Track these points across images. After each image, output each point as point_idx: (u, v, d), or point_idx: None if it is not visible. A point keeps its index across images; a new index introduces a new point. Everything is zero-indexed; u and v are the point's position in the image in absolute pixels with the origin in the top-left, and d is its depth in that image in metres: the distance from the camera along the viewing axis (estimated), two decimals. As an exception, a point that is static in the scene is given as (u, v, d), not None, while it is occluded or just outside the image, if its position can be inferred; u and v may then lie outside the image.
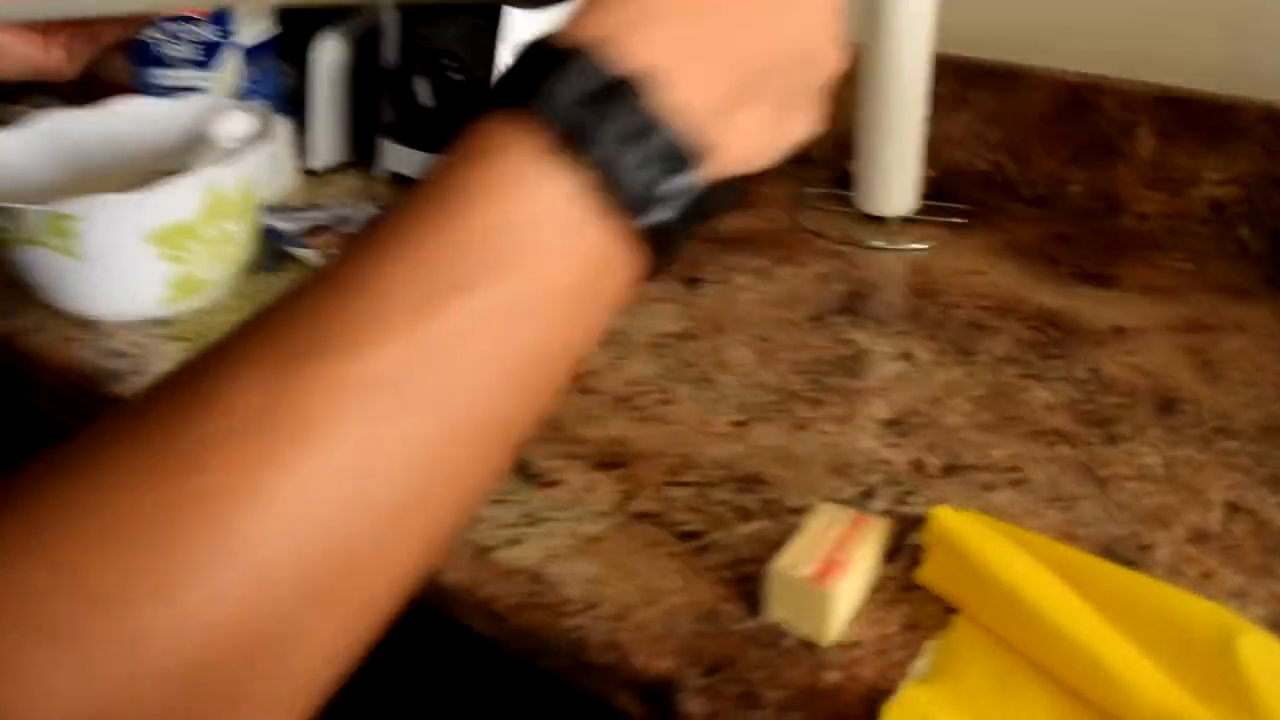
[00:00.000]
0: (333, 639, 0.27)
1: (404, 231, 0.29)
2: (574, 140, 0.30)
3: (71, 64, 0.64)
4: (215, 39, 0.96)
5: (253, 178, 0.83)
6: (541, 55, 0.31)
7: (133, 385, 0.76)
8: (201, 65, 0.97)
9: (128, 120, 0.92)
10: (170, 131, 0.92)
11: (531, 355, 0.30)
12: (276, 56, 1.04)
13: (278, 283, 0.88)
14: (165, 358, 0.79)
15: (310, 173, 1.10)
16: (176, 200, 0.77)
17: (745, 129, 0.35)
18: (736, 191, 0.37)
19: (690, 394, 0.71)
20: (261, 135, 0.83)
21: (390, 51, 1.03)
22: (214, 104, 0.92)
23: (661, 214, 0.31)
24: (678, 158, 0.31)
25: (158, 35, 0.97)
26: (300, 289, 0.29)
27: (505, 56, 0.94)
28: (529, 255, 0.29)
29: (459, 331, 0.28)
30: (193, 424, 0.26)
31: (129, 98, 0.94)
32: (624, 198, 0.30)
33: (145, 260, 0.79)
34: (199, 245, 0.80)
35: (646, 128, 0.31)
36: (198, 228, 0.79)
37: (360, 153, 1.13)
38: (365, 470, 0.26)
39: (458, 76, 0.97)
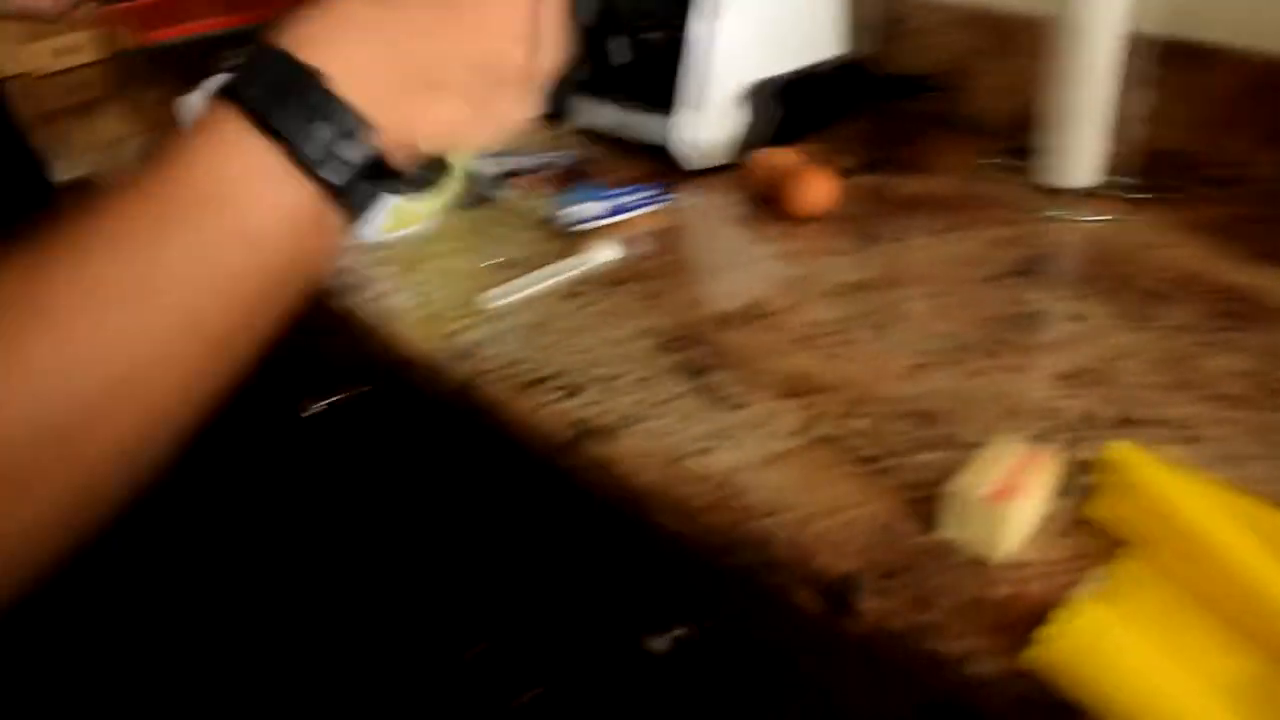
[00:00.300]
0: (94, 461, 0.36)
1: (144, 179, 0.38)
2: (266, 117, 0.39)
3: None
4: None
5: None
6: (254, 54, 0.41)
7: (353, 300, 0.83)
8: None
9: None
10: None
11: (236, 279, 0.38)
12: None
13: (478, 219, 0.95)
14: (380, 278, 0.86)
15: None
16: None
17: (430, 115, 0.44)
18: (441, 164, 0.48)
19: (869, 338, 0.74)
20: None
21: (586, 11, 1.09)
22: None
23: (339, 173, 0.40)
24: (349, 130, 0.40)
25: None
26: (83, 210, 0.38)
27: (699, 16, 0.98)
28: (235, 199, 0.38)
29: (178, 250, 0.37)
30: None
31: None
32: (305, 159, 0.39)
33: (370, 188, 0.86)
34: (417, 177, 0.87)
35: (323, 107, 0.40)
36: (418, 161, 0.86)
37: (556, 106, 1.19)
38: (96, 342, 0.35)
39: (653, 35, 1.02)
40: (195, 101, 0.94)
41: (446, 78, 0.45)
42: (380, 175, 0.42)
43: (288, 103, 0.39)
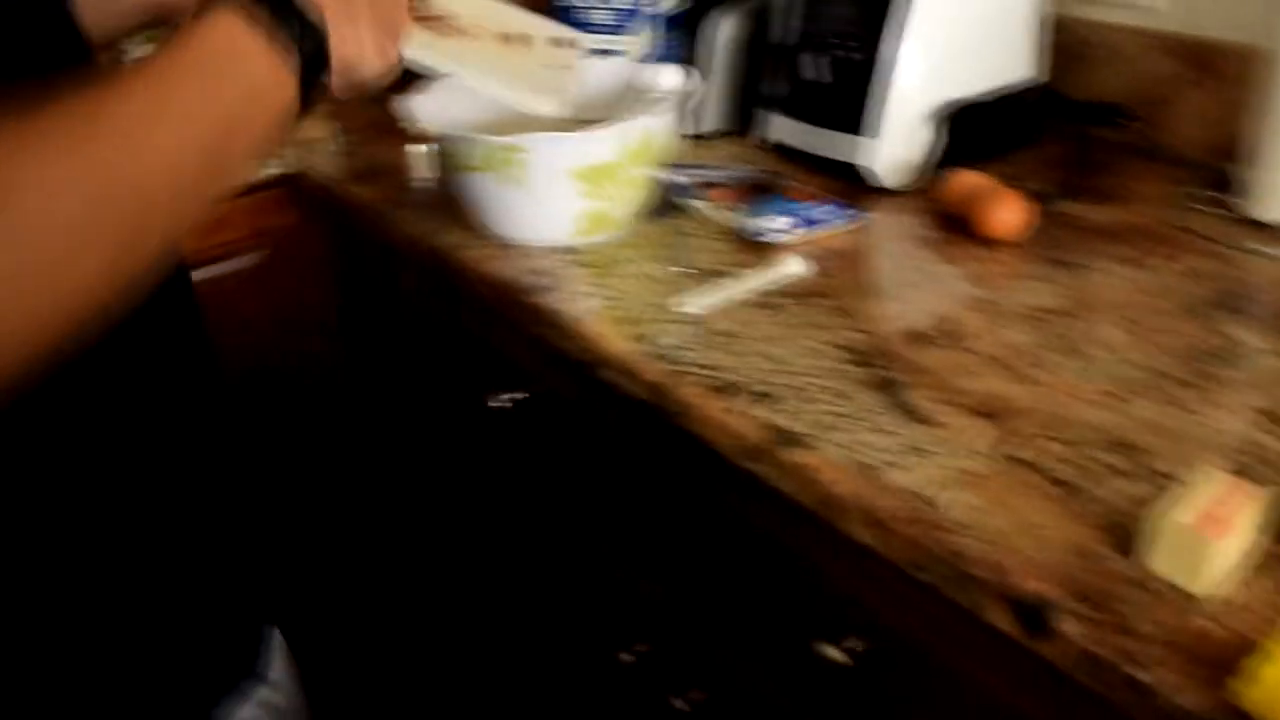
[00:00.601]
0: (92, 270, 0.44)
1: (154, 59, 0.50)
2: (253, 13, 0.52)
3: None
4: (633, 7, 1.07)
5: (668, 130, 0.94)
6: None
7: (549, 299, 0.87)
8: (617, 30, 1.09)
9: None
10: (590, 85, 1.04)
11: (216, 125, 0.50)
12: (680, 28, 1.14)
13: (669, 227, 0.98)
14: (574, 279, 0.90)
15: (693, 136, 1.20)
16: (607, 143, 0.88)
17: (354, 38, 0.59)
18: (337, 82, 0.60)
19: (1062, 363, 0.74)
20: (686, 91, 0.92)
21: (782, 29, 1.11)
22: (630, 64, 1.03)
23: (297, 55, 0.54)
24: (309, 26, 0.55)
25: (580, 1, 1.09)
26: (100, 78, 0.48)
27: (889, 38, 0.99)
28: (218, 61, 0.51)
29: (177, 103, 0.48)
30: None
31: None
32: (279, 42, 0.53)
33: (569, 195, 0.90)
34: (614, 186, 0.91)
35: (294, 12, 0.54)
36: (617, 170, 0.90)
37: (740, 121, 1.22)
38: (135, 146, 0.46)
39: (845, 55, 1.04)
40: None
41: (364, 16, 0.61)
42: (318, 69, 0.57)
43: (271, 7, 0.54)
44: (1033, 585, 0.55)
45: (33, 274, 0.41)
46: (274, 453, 1.48)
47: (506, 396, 1.00)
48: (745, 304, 0.84)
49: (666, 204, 1.02)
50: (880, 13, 1.01)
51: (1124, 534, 0.58)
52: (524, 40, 0.83)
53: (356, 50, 0.60)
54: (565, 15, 1.11)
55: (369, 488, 1.55)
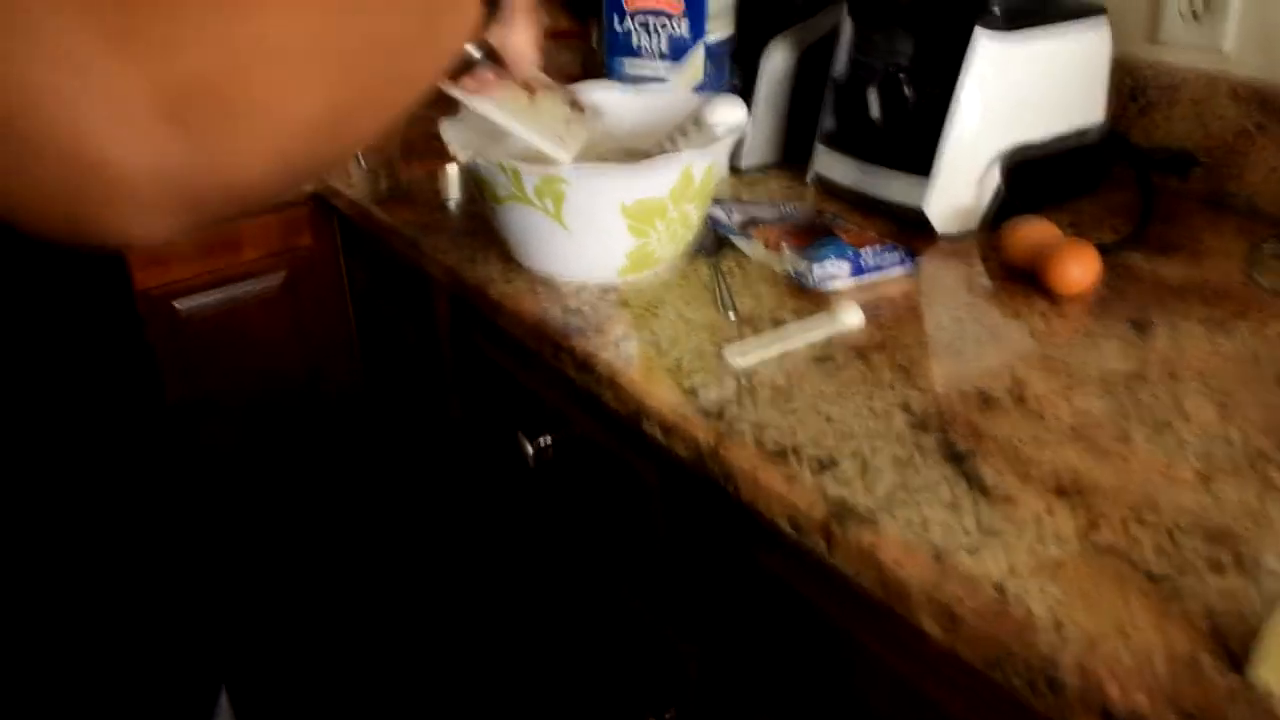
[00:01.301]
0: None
1: None
2: None
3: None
4: (686, 36, 1.02)
5: (720, 164, 0.88)
6: None
7: (588, 343, 0.82)
8: (668, 59, 1.04)
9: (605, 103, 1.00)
10: (639, 115, 0.99)
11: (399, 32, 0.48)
12: (730, 58, 1.09)
13: (716, 266, 0.93)
14: (615, 321, 0.85)
15: (736, 171, 1.15)
16: (656, 178, 0.83)
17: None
18: None
19: (1146, 436, 0.68)
20: (738, 125, 0.87)
21: (841, 62, 1.06)
22: (681, 94, 0.98)
23: None
24: None
25: (633, 27, 1.04)
26: None
27: (955, 78, 0.94)
28: None
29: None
30: None
31: (598, 83, 1.02)
32: None
33: (615, 231, 0.85)
34: (662, 223, 0.86)
35: None
36: (666, 206, 0.85)
37: (787, 157, 1.17)
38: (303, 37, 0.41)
39: (906, 94, 0.99)
40: None
41: None
42: None
43: None
44: (1132, 699, 0.49)
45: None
46: (284, 477, 1.43)
47: (538, 439, 0.94)
48: (799, 357, 0.78)
49: (714, 241, 0.97)
50: (945, 52, 0.96)
51: (1228, 639, 0.52)
52: (547, 94, 0.84)
53: (519, 13, 0.66)
54: (617, 41, 1.06)
55: (381, 524, 1.50)
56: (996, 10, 0.96)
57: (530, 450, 0.93)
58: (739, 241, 0.95)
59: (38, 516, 0.51)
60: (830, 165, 1.07)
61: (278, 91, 0.41)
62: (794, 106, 1.14)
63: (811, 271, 0.86)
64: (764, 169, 1.16)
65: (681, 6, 1.01)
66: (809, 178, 1.11)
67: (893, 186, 1.01)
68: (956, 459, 0.66)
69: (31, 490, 0.50)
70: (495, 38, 0.68)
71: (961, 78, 0.94)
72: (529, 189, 0.83)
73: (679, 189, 0.84)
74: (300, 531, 1.46)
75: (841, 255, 0.87)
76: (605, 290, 0.90)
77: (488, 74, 0.72)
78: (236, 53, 0.39)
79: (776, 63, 1.11)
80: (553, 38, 1.52)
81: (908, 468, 0.66)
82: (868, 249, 0.88)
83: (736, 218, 0.99)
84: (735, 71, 1.11)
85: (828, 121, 1.08)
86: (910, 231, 1.00)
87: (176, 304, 1.26)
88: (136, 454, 0.57)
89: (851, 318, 0.82)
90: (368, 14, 0.46)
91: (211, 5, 0.39)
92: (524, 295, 0.90)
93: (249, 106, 0.39)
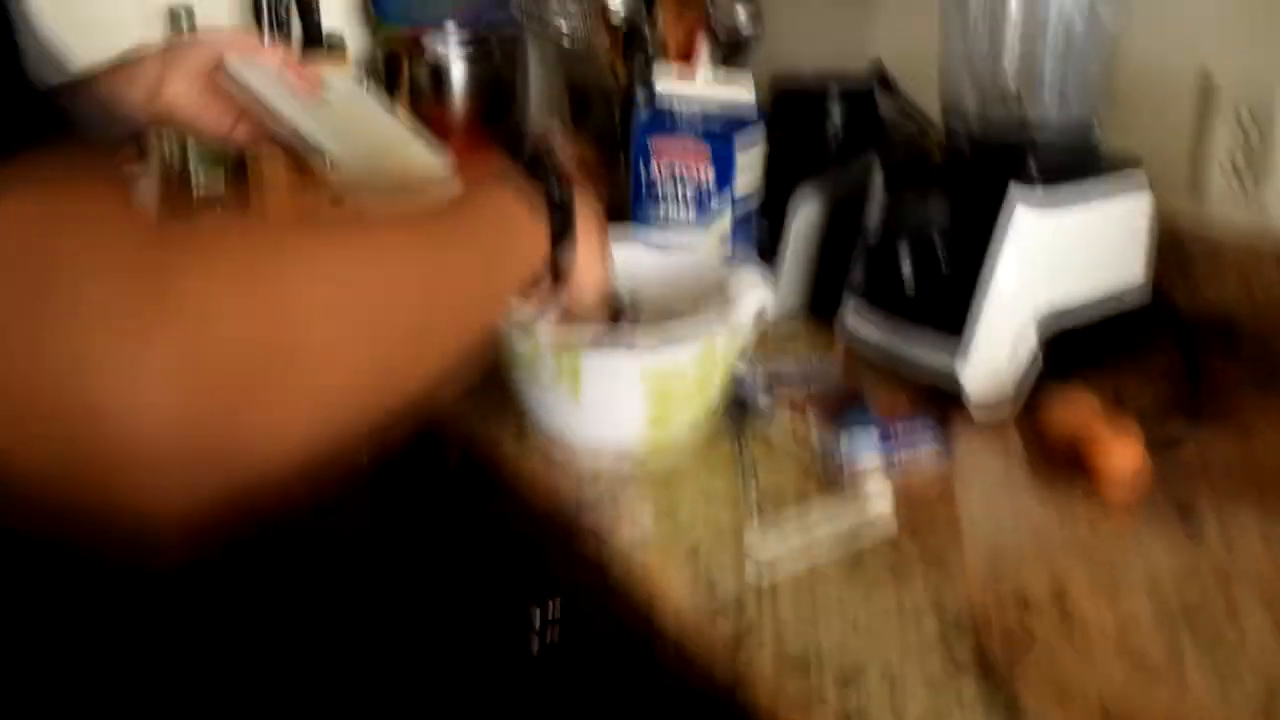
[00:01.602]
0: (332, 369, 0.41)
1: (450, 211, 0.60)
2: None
3: (245, 138, 0.96)
4: (712, 190, 1.00)
5: (743, 334, 0.85)
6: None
7: (599, 521, 0.78)
8: (694, 209, 1.01)
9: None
10: (664, 276, 0.96)
11: (478, 258, 0.58)
12: (759, 209, 1.07)
13: (738, 435, 0.89)
14: (629, 497, 0.81)
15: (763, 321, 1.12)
16: (677, 351, 0.79)
17: (584, 231, 0.71)
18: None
19: (1202, 657, 0.63)
20: (764, 298, 0.84)
21: (873, 218, 1.04)
22: (706, 257, 0.96)
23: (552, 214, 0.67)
24: (564, 194, 0.68)
25: (660, 177, 1.02)
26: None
27: (993, 239, 0.91)
28: (485, 206, 0.62)
29: (446, 231, 0.56)
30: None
31: (624, 243, 1.00)
32: (534, 197, 0.66)
33: (633, 401, 0.82)
34: (684, 394, 0.82)
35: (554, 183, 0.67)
36: (688, 375, 0.81)
37: (816, 308, 1.14)
38: (373, 277, 0.45)
39: (944, 257, 0.95)
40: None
41: (594, 220, 0.76)
42: (563, 246, 0.69)
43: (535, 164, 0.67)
44: None
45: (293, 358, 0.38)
46: (276, 610, 1.38)
47: (542, 612, 0.89)
48: (823, 547, 0.74)
49: (738, 404, 0.93)
50: (980, 213, 0.93)
51: None
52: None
53: (588, 237, 0.71)
54: (643, 189, 1.04)
55: (370, 681, 1.44)
56: (1033, 171, 0.94)
57: (537, 622, 0.88)
58: (764, 406, 0.92)
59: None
60: (860, 322, 1.04)
61: (319, 356, 0.39)
62: (823, 257, 1.11)
63: (839, 448, 0.82)
64: (792, 319, 1.13)
65: (708, 161, 0.99)
66: (837, 333, 1.07)
67: (925, 350, 0.97)
68: (992, 676, 0.61)
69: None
70: (567, 261, 0.70)
71: (996, 242, 0.91)
72: (544, 355, 0.80)
73: (702, 360, 0.81)
74: (288, 674, 1.41)
75: (871, 432, 0.83)
76: (622, 459, 0.86)
77: (548, 290, 0.72)
78: (274, 317, 0.37)
79: (806, 214, 1.09)
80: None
81: (940, 689, 0.61)
82: (899, 425, 0.84)
83: (762, 378, 0.95)
84: (763, 223, 1.09)
85: (858, 277, 1.05)
86: (942, 396, 0.96)
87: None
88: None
89: (880, 504, 0.78)
90: (423, 267, 0.47)
91: (245, 266, 0.37)
92: (536, 461, 0.86)
93: (284, 374, 0.37)
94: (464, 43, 1.71)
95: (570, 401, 0.82)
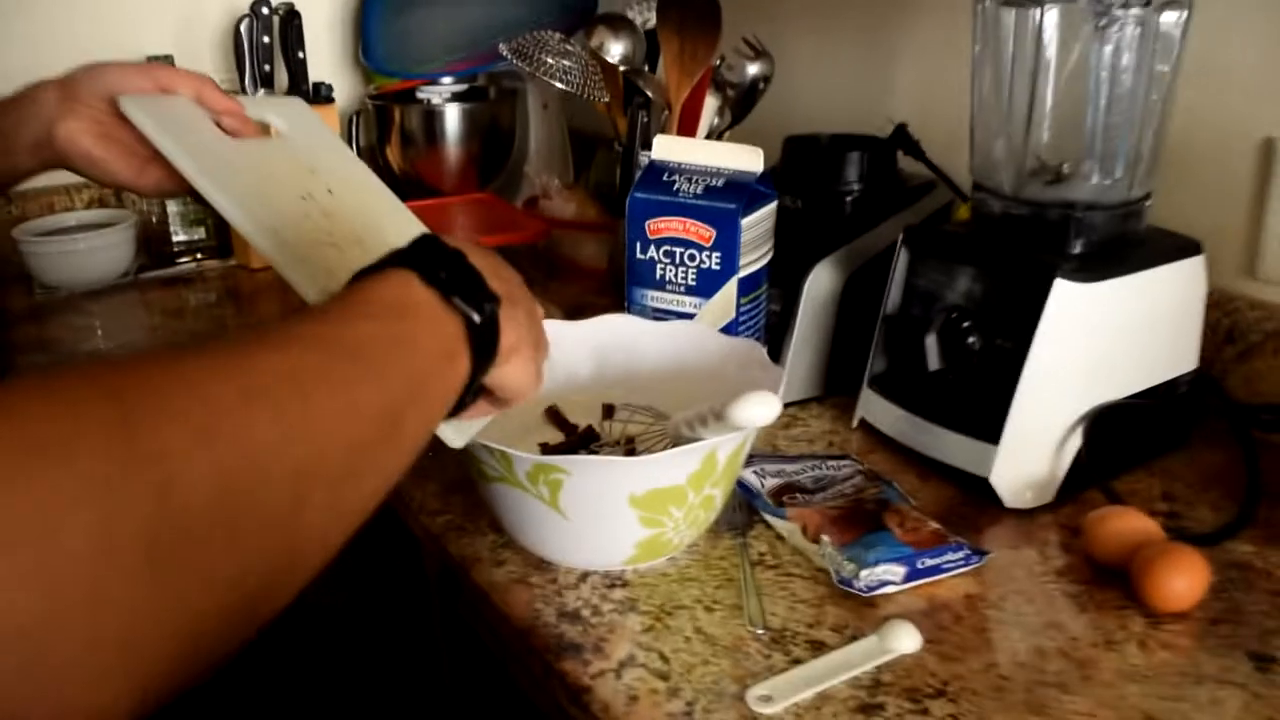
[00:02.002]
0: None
1: (326, 314, 0.49)
2: (439, 283, 0.52)
3: (159, 188, 0.83)
4: (717, 269, 0.90)
5: (748, 445, 0.75)
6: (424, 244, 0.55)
7: (585, 666, 0.67)
8: (696, 293, 0.91)
9: (620, 335, 0.89)
10: (661, 352, 0.87)
11: (402, 384, 0.48)
12: (768, 283, 0.97)
13: (741, 548, 0.78)
14: (620, 631, 0.71)
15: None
16: (671, 468, 0.69)
17: (514, 335, 0.57)
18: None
19: None
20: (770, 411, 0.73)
21: (894, 297, 0.94)
22: (709, 334, 0.86)
23: (477, 317, 0.53)
24: (488, 299, 0.54)
25: (657, 257, 0.92)
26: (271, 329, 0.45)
27: (1034, 327, 0.81)
28: (397, 320, 0.50)
29: (373, 362, 0.47)
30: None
31: (617, 316, 0.91)
32: (466, 313, 0.53)
33: (623, 521, 0.72)
34: (679, 510, 0.72)
35: (478, 284, 0.54)
36: (685, 494, 0.71)
37: (830, 389, 1.04)
38: (304, 420, 0.41)
39: (976, 344, 0.85)
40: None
41: (536, 339, 0.62)
42: (488, 355, 0.55)
43: (455, 275, 0.53)
44: None
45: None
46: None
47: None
48: (839, 699, 0.64)
49: (743, 514, 0.83)
50: (1017, 296, 0.83)
51: None
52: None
53: (516, 352, 0.58)
54: (638, 271, 0.94)
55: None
56: (1076, 249, 0.84)
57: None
58: (772, 519, 0.81)
59: None
60: (878, 412, 0.94)
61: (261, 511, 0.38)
62: (838, 335, 1.01)
63: (859, 577, 0.72)
64: (804, 403, 1.03)
65: (713, 237, 0.89)
66: (854, 422, 0.97)
67: (951, 446, 0.87)
68: None
69: None
70: (492, 380, 0.58)
71: (1035, 326, 0.81)
72: (520, 474, 0.70)
73: (700, 475, 0.71)
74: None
75: (895, 558, 0.73)
76: (611, 583, 0.76)
77: (481, 404, 0.62)
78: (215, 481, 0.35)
79: (820, 287, 0.99)
80: (580, 228, 1.41)
81: None
82: (927, 551, 0.74)
83: (770, 482, 0.85)
84: (774, 292, 0.99)
85: (877, 363, 0.95)
86: (970, 496, 0.85)
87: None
88: None
89: (905, 643, 0.67)
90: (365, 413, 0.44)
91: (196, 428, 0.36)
92: (515, 585, 0.76)
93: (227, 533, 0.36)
94: (459, 89, 1.62)
95: (551, 519, 0.72)
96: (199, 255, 1.53)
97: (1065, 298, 0.81)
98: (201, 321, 1.35)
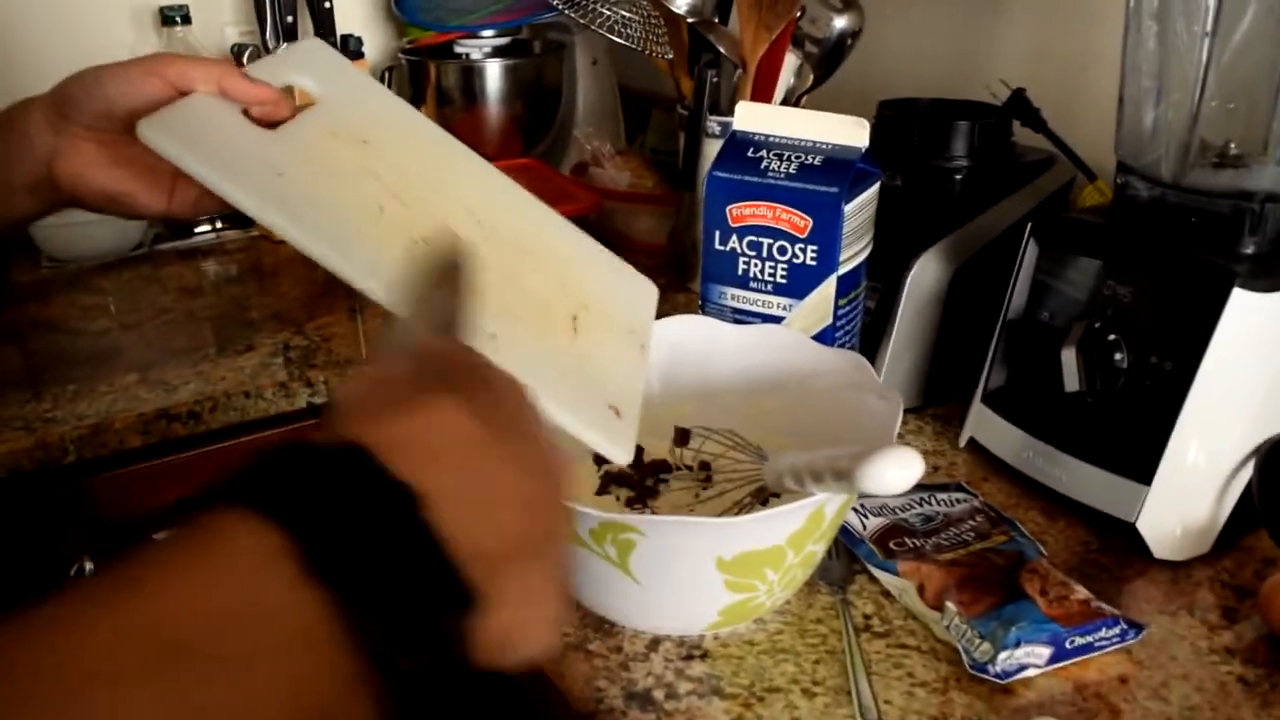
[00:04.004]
0: None
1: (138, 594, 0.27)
2: (317, 551, 0.28)
3: (196, 210, 0.70)
4: (813, 264, 0.76)
5: (852, 498, 0.62)
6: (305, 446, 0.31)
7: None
8: (786, 294, 0.77)
9: (693, 339, 0.75)
10: (741, 358, 0.74)
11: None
12: (866, 277, 0.83)
13: (842, 610, 0.65)
14: (697, 713, 0.58)
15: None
16: (769, 529, 0.56)
17: (517, 593, 0.34)
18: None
19: None
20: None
21: (1018, 300, 0.79)
22: (802, 343, 0.72)
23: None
24: (455, 593, 0.30)
25: (740, 249, 0.78)
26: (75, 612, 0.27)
27: (1219, 349, 0.66)
28: (243, 657, 0.27)
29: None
30: None
31: (690, 317, 0.77)
32: (378, 632, 0.29)
33: (705, 587, 0.58)
34: (775, 573, 0.59)
35: (422, 550, 0.30)
36: (784, 554, 0.58)
37: (930, 398, 0.90)
38: None
39: (1127, 361, 0.71)
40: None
41: (531, 548, 0.35)
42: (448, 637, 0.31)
43: (360, 541, 0.29)
44: None
45: None
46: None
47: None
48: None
49: (839, 559, 0.70)
50: (1188, 307, 0.68)
51: None
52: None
53: (517, 622, 0.35)
54: (715, 265, 0.80)
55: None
56: (1250, 249, 0.69)
57: None
58: (881, 574, 0.68)
59: None
60: (993, 434, 0.80)
61: None
62: (942, 338, 0.87)
63: (996, 661, 0.58)
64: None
65: (808, 227, 0.74)
66: (962, 442, 0.83)
67: (1088, 482, 0.73)
68: None
69: None
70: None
71: (1201, 342, 0.67)
72: (583, 531, 0.57)
73: (803, 533, 0.57)
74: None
75: (1039, 636, 0.59)
76: (688, 653, 0.63)
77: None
78: None
79: (924, 282, 0.85)
80: (638, 200, 1.27)
81: None
82: (1076, 629, 0.60)
83: (873, 522, 0.71)
84: (874, 288, 0.85)
85: (995, 376, 0.81)
86: (1108, 541, 0.72)
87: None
88: None
89: (1057, 750, 0.54)
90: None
91: None
92: (571, 653, 0.63)
93: None
94: (500, 43, 1.48)
95: (619, 581, 0.59)
96: (218, 225, 1.40)
97: (1244, 310, 0.66)
98: (221, 301, 1.23)
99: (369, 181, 0.62)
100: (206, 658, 0.27)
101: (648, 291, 0.75)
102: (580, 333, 0.62)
